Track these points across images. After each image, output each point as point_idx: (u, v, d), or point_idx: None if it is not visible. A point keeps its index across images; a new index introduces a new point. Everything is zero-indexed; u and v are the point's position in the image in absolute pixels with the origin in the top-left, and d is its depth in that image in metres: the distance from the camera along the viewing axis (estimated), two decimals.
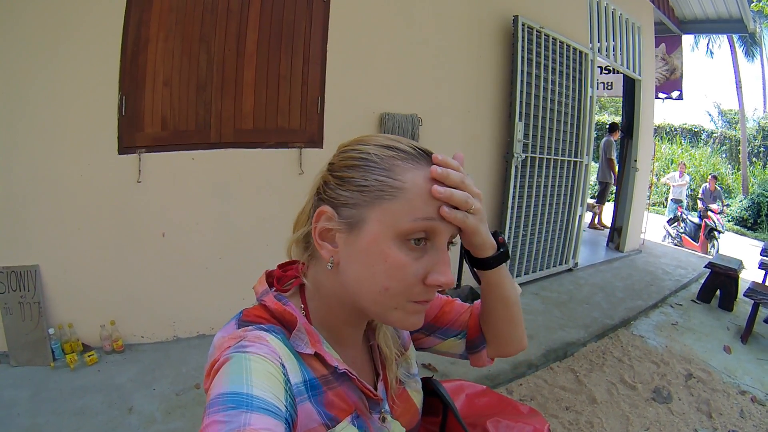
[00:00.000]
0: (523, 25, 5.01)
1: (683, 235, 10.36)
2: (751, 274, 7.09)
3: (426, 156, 0.75)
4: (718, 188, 11.42)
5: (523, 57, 5.02)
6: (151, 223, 3.32)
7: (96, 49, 3.05)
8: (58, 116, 3.00)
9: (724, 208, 11.31)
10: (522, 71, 5.02)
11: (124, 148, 3.20)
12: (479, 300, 1.03)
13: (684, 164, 12.06)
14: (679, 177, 11.63)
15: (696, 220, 10.56)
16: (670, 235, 10.63)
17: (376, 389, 0.87)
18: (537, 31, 5.20)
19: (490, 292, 0.93)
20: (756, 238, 10.88)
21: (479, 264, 0.86)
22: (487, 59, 5.00)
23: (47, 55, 2.93)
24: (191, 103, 3.40)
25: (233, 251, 3.58)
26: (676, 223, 10.83)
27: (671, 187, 11.52)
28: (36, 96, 2.94)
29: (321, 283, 0.79)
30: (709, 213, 10.33)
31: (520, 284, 5.04)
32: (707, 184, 11.29)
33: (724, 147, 19.80)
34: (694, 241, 10.21)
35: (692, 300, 6.23)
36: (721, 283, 6.08)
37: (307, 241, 0.80)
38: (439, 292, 0.94)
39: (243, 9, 3.52)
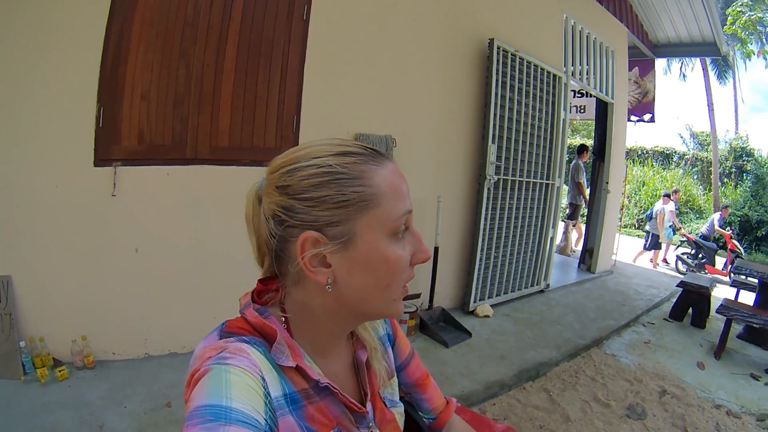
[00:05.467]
0: (498, 48, 5.30)
1: (705, 264, 10.90)
2: (722, 292, 7.53)
3: (377, 152, 0.83)
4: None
5: (497, 80, 5.31)
6: (125, 237, 3.43)
7: (77, 58, 3.17)
8: (35, 125, 3.10)
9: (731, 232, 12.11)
10: (496, 94, 5.30)
11: (100, 160, 3.31)
12: (457, 403, 1.22)
13: (677, 191, 12.55)
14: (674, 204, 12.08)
15: (713, 246, 11.26)
16: (687, 264, 11.07)
17: (363, 405, 0.91)
18: (512, 54, 5.50)
19: None
20: (681, 247, 11.54)
21: None
22: (462, 81, 5.28)
23: (28, 64, 3.03)
24: (168, 117, 3.54)
25: (206, 269, 3.70)
26: (688, 252, 11.33)
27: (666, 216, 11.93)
28: (13, 103, 3.04)
29: (309, 302, 0.83)
30: (733, 241, 11.35)
31: (492, 305, 5.40)
32: (720, 213, 12.01)
33: (696, 168, 20.88)
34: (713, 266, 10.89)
35: (664, 318, 6.59)
36: (693, 301, 6.48)
37: (281, 266, 0.84)
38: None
39: (224, 24, 3.68)
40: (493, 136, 5.31)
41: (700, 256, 11.07)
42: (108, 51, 3.28)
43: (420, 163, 4.96)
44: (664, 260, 11.55)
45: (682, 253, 11.34)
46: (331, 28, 4.17)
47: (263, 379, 0.72)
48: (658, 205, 11.37)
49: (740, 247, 11.56)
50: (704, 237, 11.76)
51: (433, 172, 5.11)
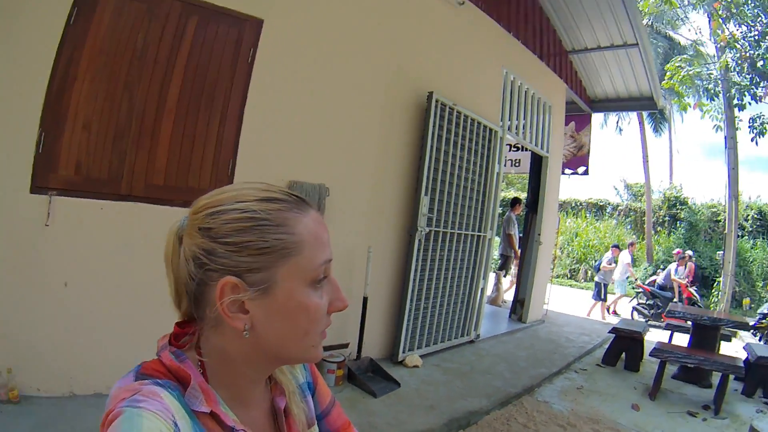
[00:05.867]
0: (437, 101, 5.69)
1: (662, 313, 11.38)
2: (656, 336, 8.30)
3: (301, 200, 0.86)
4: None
5: (434, 133, 5.68)
6: (55, 270, 3.48)
7: (25, 79, 3.25)
8: None
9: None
10: (432, 146, 5.67)
11: (36, 187, 3.35)
12: None
13: (633, 243, 13.29)
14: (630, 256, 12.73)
15: (669, 295, 12.10)
16: (642, 314, 11.82)
17: None
18: (450, 107, 5.92)
19: None
20: (636, 299, 12.46)
21: None
22: (400, 133, 5.65)
23: None
24: (107, 150, 3.62)
25: (135, 309, 3.75)
26: (643, 303, 12.09)
27: (621, 269, 12.49)
28: None
29: (226, 347, 0.84)
30: (689, 289, 12.36)
31: (421, 356, 5.69)
32: (677, 263, 12.89)
33: (629, 218, 22.53)
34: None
35: (597, 364, 7.01)
36: (626, 346, 6.99)
37: (199, 309, 0.84)
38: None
39: (171, 59, 3.80)
40: (427, 188, 5.64)
41: (657, 305, 11.75)
42: (56, 75, 3.36)
43: (352, 212, 5.18)
44: (614, 312, 12.18)
45: (638, 304, 12.03)
46: (275, 74, 4.40)
47: (176, 425, 0.72)
48: (607, 256, 12.02)
49: (697, 295, 12.51)
50: (661, 287, 12.60)
51: (365, 222, 5.35)
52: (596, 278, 11.91)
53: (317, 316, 0.83)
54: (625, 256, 12.32)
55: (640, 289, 12.52)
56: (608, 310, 11.92)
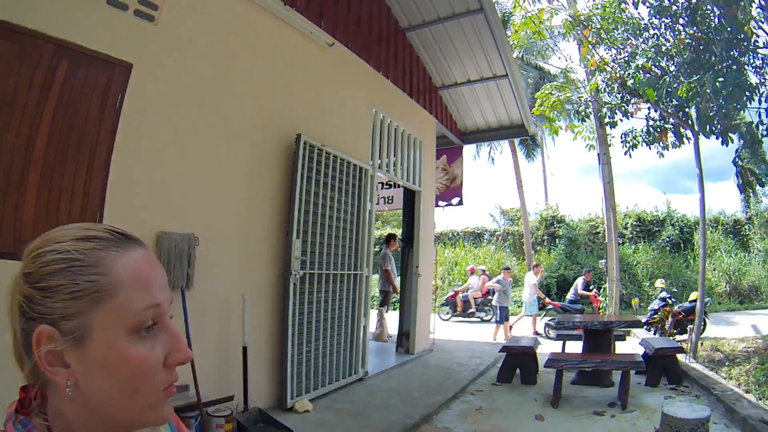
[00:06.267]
0: (305, 143, 5.98)
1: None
2: (547, 347, 8.93)
3: (126, 237, 0.81)
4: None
5: (302, 175, 5.97)
6: None
7: None
8: None
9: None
10: (301, 189, 5.97)
11: None
12: None
13: (539, 264, 14.51)
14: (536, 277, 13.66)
15: (579, 308, 13.40)
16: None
17: None
18: (318, 149, 6.26)
19: None
20: (547, 316, 13.64)
21: None
22: (268, 176, 5.87)
23: None
24: None
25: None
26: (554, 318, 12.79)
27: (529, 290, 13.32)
28: None
29: (62, 410, 0.78)
30: (599, 298, 13.86)
31: (310, 400, 5.84)
32: (583, 277, 14.00)
33: (507, 242, 24.32)
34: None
35: (492, 384, 7.40)
36: (519, 362, 7.45)
37: (35, 368, 0.76)
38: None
39: (39, 107, 3.73)
40: (298, 231, 5.93)
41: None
42: None
43: (224, 260, 5.23)
44: (510, 327, 12.84)
45: (550, 320, 12.87)
46: (142, 121, 4.42)
47: None
48: (495, 280, 12.92)
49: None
50: (572, 301, 13.67)
51: (238, 269, 5.41)
52: (493, 301, 12.69)
53: (144, 370, 0.76)
54: (531, 278, 13.35)
55: (550, 306, 13.70)
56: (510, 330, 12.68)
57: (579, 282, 13.94)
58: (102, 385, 0.75)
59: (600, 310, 14.05)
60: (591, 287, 14.12)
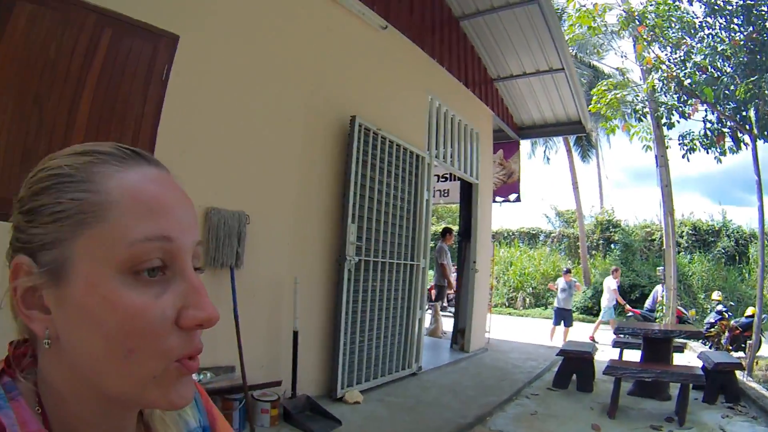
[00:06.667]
0: (360, 126, 5.80)
1: None
2: (605, 355, 8.51)
3: (137, 154, 0.65)
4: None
5: (357, 158, 5.77)
6: None
7: None
8: None
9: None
10: (356, 172, 5.76)
11: None
12: None
13: (617, 269, 13.90)
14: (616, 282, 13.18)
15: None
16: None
17: None
18: (374, 132, 6.06)
19: None
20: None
21: None
22: (323, 158, 5.71)
23: None
24: (14, 170, 3.38)
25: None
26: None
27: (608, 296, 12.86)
28: None
29: (49, 372, 0.61)
30: (679, 308, 12.76)
31: (362, 391, 5.66)
32: (662, 285, 13.30)
33: (563, 245, 23.68)
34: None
35: (548, 388, 7.10)
36: (576, 367, 7.12)
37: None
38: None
39: (82, 73, 3.62)
40: (353, 215, 5.71)
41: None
42: None
43: (276, 241, 5.11)
44: (591, 338, 12.34)
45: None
46: (191, 94, 4.30)
47: None
48: (561, 281, 12.31)
49: (686, 313, 13.03)
50: (650, 310, 13.18)
51: (290, 251, 5.27)
52: (555, 303, 12.29)
53: (138, 323, 0.56)
54: (610, 282, 12.83)
55: (630, 314, 13.16)
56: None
57: (658, 290, 13.32)
58: (82, 339, 0.57)
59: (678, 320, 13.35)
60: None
